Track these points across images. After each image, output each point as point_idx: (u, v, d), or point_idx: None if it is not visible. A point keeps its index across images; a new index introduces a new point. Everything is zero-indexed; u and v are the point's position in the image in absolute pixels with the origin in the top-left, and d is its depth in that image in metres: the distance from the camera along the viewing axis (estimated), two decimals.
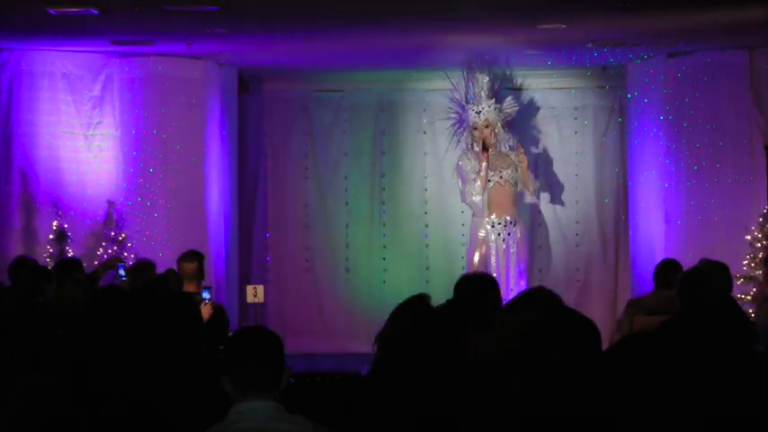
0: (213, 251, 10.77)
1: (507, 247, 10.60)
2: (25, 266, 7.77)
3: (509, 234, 10.64)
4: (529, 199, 11.20)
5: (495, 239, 10.61)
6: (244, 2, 8.35)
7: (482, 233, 10.66)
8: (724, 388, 3.99)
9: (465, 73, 10.95)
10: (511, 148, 10.98)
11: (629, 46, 10.32)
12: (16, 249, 10.03)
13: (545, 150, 12.04)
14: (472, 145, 10.97)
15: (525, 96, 11.84)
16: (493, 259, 10.59)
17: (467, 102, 10.96)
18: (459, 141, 11.14)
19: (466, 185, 10.85)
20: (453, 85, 11.00)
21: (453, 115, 11.16)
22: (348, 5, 8.49)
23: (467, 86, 10.93)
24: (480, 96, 10.88)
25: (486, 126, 10.83)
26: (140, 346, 4.33)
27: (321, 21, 9.08)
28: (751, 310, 8.94)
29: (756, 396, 4.00)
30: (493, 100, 10.91)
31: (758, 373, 4.08)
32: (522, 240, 10.73)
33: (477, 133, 10.88)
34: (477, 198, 10.73)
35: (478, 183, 10.71)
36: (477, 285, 5.17)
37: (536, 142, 12.01)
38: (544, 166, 12.02)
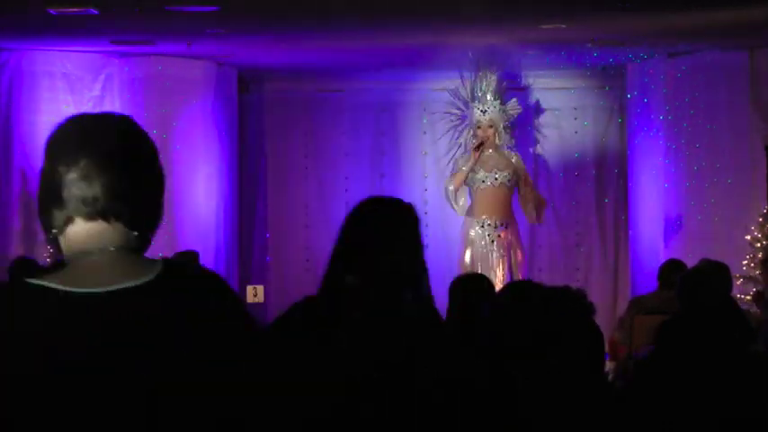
0: (213, 251, 10.78)
1: (495, 248, 10.52)
2: (25, 267, 7.77)
3: (499, 236, 10.54)
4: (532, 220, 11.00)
5: (484, 240, 10.54)
6: (244, 2, 8.36)
7: (472, 233, 10.59)
8: (724, 388, 3.99)
9: (472, 71, 10.87)
10: (508, 149, 10.94)
11: (629, 46, 10.32)
12: (16, 249, 10.03)
13: (545, 150, 12.04)
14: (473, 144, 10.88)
15: (525, 96, 11.83)
16: (479, 259, 10.50)
17: (472, 100, 10.87)
18: (458, 137, 11.07)
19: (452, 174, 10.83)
20: (461, 81, 10.93)
21: (455, 111, 11.09)
22: (348, 6, 8.49)
23: (473, 85, 10.85)
24: (486, 95, 10.81)
25: (490, 126, 10.78)
26: None
27: (321, 21, 9.09)
28: (752, 309, 8.94)
29: (756, 396, 4.00)
30: (498, 100, 10.84)
31: (758, 373, 4.08)
32: (514, 243, 10.60)
33: (480, 132, 10.79)
34: (450, 187, 10.68)
35: (458, 174, 10.65)
36: (470, 286, 5.20)
37: (536, 142, 12.01)
38: (544, 166, 12.03)
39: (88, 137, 2.02)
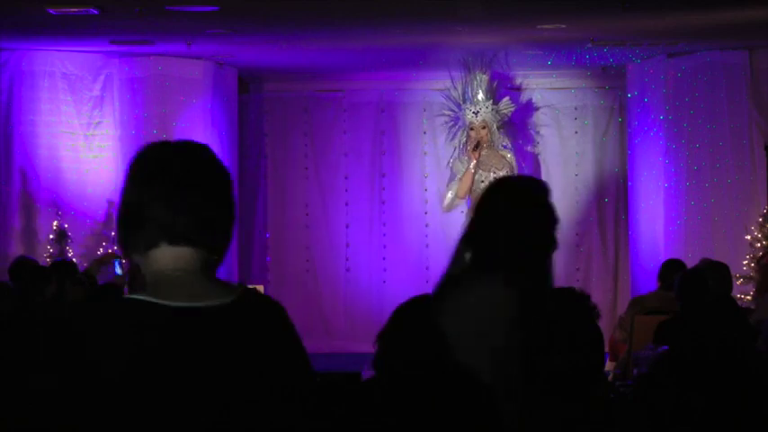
0: None
1: None
2: (25, 267, 7.77)
3: None
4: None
5: None
6: (244, 2, 8.36)
7: None
8: (723, 388, 3.98)
9: (463, 72, 10.91)
10: (505, 147, 10.94)
11: (629, 46, 10.32)
12: (16, 249, 10.03)
13: (545, 150, 12.04)
14: (466, 144, 10.86)
15: (525, 96, 11.84)
16: None
17: (464, 101, 10.90)
18: (452, 138, 11.09)
19: (450, 183, 10.84)
20: (452, 83, 10.97)
21: (448, 113, 11.12)
22: (348, 6, 8.49)
23: (465, 86, 10.89)
24: (478, 96, 10.84)
25: (483, 127, 10.79)
26: None
27: (321, 21, 9.09)
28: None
29: (756, 396, 4.00)
30: (490, 100, 10.86)
31: (758, 373, 4.08)
32: None
33: (473, 133, 10.79)
34: (449, 194, 10.72)
35: (461, 179, 10.67)
36: None
37: (536, 142, 12.01)
38: (544, 165, 12.02)
39: (171, 165, 2.12)
